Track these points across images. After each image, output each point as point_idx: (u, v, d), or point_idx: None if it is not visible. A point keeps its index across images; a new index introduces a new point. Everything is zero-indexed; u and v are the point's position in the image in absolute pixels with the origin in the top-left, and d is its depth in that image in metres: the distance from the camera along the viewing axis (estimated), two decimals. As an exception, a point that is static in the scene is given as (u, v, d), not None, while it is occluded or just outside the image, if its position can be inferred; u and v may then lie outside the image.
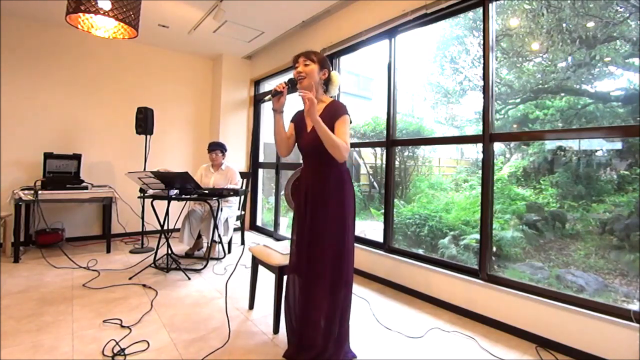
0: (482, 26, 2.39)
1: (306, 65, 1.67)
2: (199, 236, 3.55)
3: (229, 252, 3.77)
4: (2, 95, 3.65)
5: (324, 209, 1.62)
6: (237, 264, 2.47)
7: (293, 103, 1.92)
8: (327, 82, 1.74)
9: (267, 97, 1.67)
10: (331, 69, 1.75)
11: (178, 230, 4.17)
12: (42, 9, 3.52)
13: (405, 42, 3.12)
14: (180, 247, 3.84)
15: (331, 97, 1.79)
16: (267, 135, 5.33)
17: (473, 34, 4.05)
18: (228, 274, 3.06)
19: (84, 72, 4.12)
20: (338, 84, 1.77)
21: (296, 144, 1.80)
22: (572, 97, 3.06)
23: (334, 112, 1.63)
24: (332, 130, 1.59)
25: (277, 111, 1.69)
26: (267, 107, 5.16)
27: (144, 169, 3.74)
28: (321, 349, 1.61)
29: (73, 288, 2.63)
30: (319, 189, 1.64)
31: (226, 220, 3.53)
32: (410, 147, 4.45)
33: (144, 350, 1.80)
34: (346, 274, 1.65)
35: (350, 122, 1.68)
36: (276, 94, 1.64)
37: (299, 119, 1.79)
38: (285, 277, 1.93)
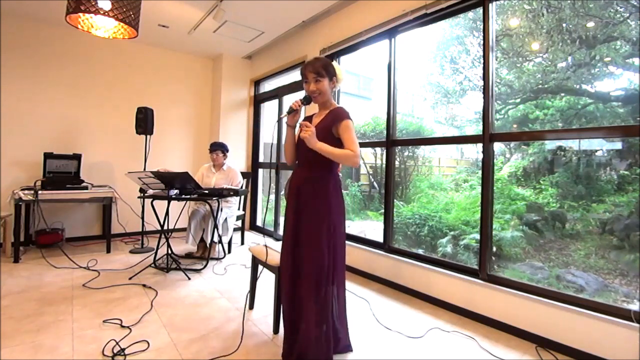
0: (482, 26, 2.39)
1: (317, 81, 1.67)
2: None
3: (229, 252, 3.77)
4: (2, 95, 3.65)
5: (307, 212, 1.66)
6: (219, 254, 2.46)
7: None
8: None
9: (283, 115, 1.70)
10: (335, 70, 1.74)
11: (178, 230, 4.18)
12: (42, 9, 3.52)
13: (405, 42, 3.12)
14: (180, 247, 3.84)
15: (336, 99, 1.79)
16: (267, 135, 5.33)
17: (473, 34, 4.05)
18: (228, 274, 3.06)
19: (84, 72, 4.12)
20: (343, 79, 1.79)
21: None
22: (572, 97, 3.06)
23: (336, 116, 1.66)
24: (327, 132, 1.64)
25: (291, 126, 1.73)
26: (267, 108, 5.16)
27: (144, 169, 3.74)
28: (309, 349, 1.61)
29: (73, 288, 2.63)
30: (305, 193, 1.68)
31: (225, 220, 3.53)
32: (410, 147, 4.45)
33: (144, 350, 1.80)
34: (331, 275, 1.65)
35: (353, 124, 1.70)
36: (292, 112, 1.68)
37: None
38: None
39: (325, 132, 1.65)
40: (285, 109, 1.76)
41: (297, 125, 1.72)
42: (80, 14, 2.18)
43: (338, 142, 1.64)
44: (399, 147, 3.55)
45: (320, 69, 1.67)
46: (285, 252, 1.74)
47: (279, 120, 1.72)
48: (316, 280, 1.61)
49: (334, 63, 1.76)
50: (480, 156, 2.42)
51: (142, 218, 3.85)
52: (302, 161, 1.75)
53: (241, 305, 2.43)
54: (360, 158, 1.60)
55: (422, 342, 1.99)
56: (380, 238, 3.11)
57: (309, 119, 1.83)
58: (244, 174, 4.11)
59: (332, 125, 1.65)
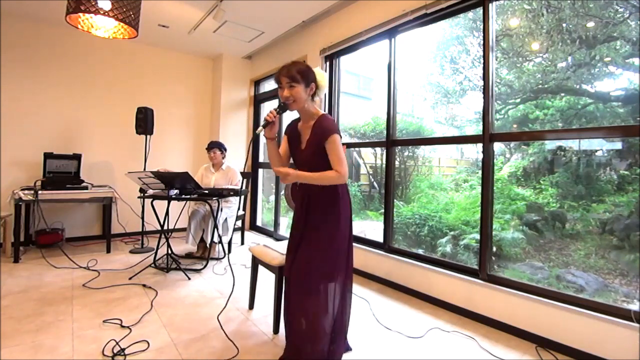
0: (482, 26, 2.39)
1: (291, 87, 1.55)
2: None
3: (229, 252, 3.77)
4: (2, 95, 3.65)
5: (318, 219, 1.64)
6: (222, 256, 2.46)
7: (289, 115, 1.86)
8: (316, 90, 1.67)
9: (259, 130, 1.55)
10: (315, 76, 1.63)
11: (178, 230, 4.18)
12: (42, 9, 3.52)
13: (405, 42, 3.12)
14: (180, 247, 3.84)
15: (320, 100, 1.74)
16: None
17: (473, 34, 4.04)
18: (228, 274, 3.06)
19: (84, 72, 4.12)
20: (326, 86, 1.69)
21: (291, 157, 1.79)
22: (572, 97, 3.06)
23: (322, 132, 1.58)
24: (321, 148, 1.58)
25: (270, 139, 1.64)
26: (267, 108, 5.16)
27: (144, 169, 3.74)
28: (312, 351, 1.61)
29: (73, 288, 2.63)
30: (315, 200, 1.65)
31: (225, 220, 3.53)
32: (410, 147, 4.44)
33: (144, 350, 1.80)
34: (341, 280, 1.65)
35: (340, 137, 1.64)
36: (268, 124, 1.56)
37: (292, 132, 1.75)
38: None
39: (318, 151, 1.60)
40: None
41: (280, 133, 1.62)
42: (80, 14, 2.18)
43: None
44: (399, 147, 3.55)
45: (295, 73, 1.55)
46: (289, 254, 1.74)
47: (256, 136, 1.63)
48: (321, 280, 1.61)
49: (317, 69, 1.66)
50: (480, 156, 2.42)
51: (142, 218, 3.85)
52: (305, 170, 1.68)
53: (241, 305, 2.43)
54: (347, 175, 1.54)
55: (422, 342, 1.99)
56: (380, 238, 3.11)
57: (295, 126, 1.75)
58: (243, 174, 4.10)
59: (321, 141, 1.58)
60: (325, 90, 1.71)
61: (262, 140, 5.21)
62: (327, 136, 1.57)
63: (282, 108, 1.59)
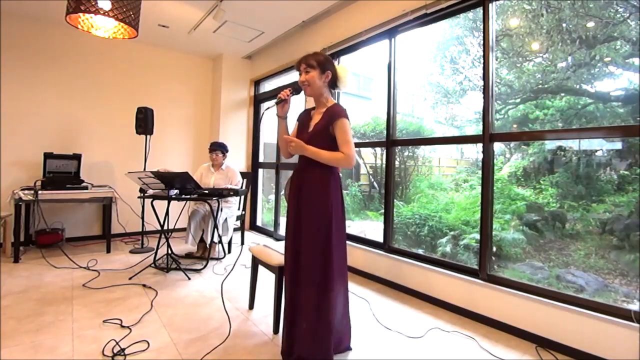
0: (482, 26, 2.39)
1: (307, 72, 1.66)
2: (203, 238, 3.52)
3: (229, 252, 3.77)
4: (2, 95, 3.65)
5: (307, 211, 1.65)
6: (234, 263, 2.47)
7: (296, 105, 1.93)
8: (334, 80, 1.73)
9: (271, 105, 1.68)
10: (335, 67, 1.73)
11: (178, 230, 4.18)
12: (42, 9, 3.53)
13: (405, 42, 3.12)
14: (180, 247, 3.84)
15: (337, 93, 1.79)
16: (267, 135, 5.33)
17: (473, 34, 4.04)
18: (228, 274, 3.06)
19: (84, 72, 4.12)
20: (346, 77, 1.75)
21: None
22: (572, 97, 3.06)
23: (331, 115, 1.64)
24: (326, 132, 1.63)
25: (281, 117, 1.72)
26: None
27: (144, 169, 3.74)
28: (310, 347, 1.61)
29: (73, 288, 2.63)
30: (305, 190, 1.67)
31: (225, 220, 3.52)
32: (410, 147, 4.45)
33: (144, 350, 1.80)
34: (332, 275, 1.65)
35: (350, 123, 1.69)
36: (280, 102, 1.67)
37: (303, 119, 1.82)
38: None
39: (322, 132, 1.65)
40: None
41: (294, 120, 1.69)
42: (80, 14, 2.18)
43: (335, 142, 1.64)
44: (399, 147, 3.55)
45: (312, 60, 1.66)
46: (287, 252, 1.74)
47: (269, 108, 1.71)
48: (318, 279, 1.61)
49: (340, 64, 1.77)
50: (480, 156, 2.42)
51: (142, 218, 3.85)
52: (301, 161, 1.74)
53: (241, 305, 2.43)
54: (355, 158, 1.59)
55: (422, 342, 1.99)
56: (380, 238, 3.11)
57: (308, 112, 1.82)
58: (243, 174, 4.11)
59: (328, 124, 1.64)
60: (345, 84, 1.76)
61: (263, 140, 5.21)
62: (335, 119, 1.62)
63: (296, 90, 1.70)
